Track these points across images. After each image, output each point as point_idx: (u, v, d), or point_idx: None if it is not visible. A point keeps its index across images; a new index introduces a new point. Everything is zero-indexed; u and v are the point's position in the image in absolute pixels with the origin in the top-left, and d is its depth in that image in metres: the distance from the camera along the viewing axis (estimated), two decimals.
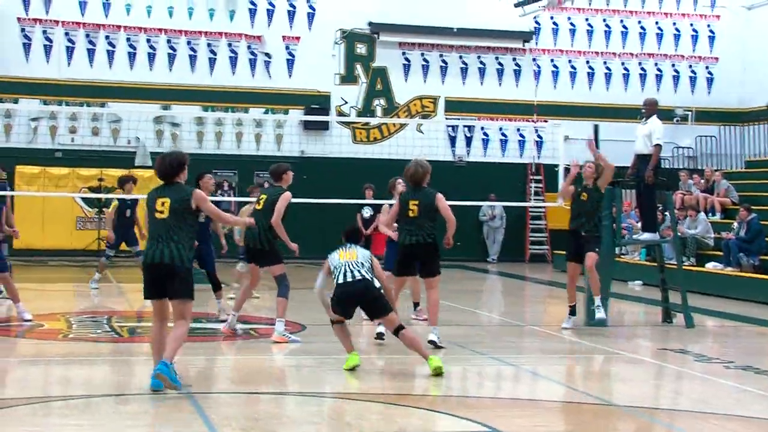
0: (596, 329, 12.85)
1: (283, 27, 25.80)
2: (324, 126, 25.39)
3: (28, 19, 24.36)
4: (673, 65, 28.05)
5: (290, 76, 25.73)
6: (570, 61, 27.46)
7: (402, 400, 8.50)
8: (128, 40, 24.87)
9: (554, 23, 27.42)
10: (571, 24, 27.54)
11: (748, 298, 17.23)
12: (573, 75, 27.46)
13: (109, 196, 17.33)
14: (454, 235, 11.23)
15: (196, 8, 25.33)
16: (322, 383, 9.29)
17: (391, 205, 12.85)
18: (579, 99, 27.13)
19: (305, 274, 17.35)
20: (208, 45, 25.33)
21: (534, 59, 27.24)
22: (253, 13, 25.71)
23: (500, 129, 26.66)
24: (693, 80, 28.11)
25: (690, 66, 28.11)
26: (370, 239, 17.69)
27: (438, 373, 9.31)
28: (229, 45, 25.46)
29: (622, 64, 27.73)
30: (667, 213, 17.20)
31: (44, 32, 24.44)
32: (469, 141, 26.76)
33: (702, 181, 23.06)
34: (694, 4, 28.17)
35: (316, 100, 25.58)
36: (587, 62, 27.56)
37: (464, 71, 26.83)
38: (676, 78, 28.03)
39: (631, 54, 27.78)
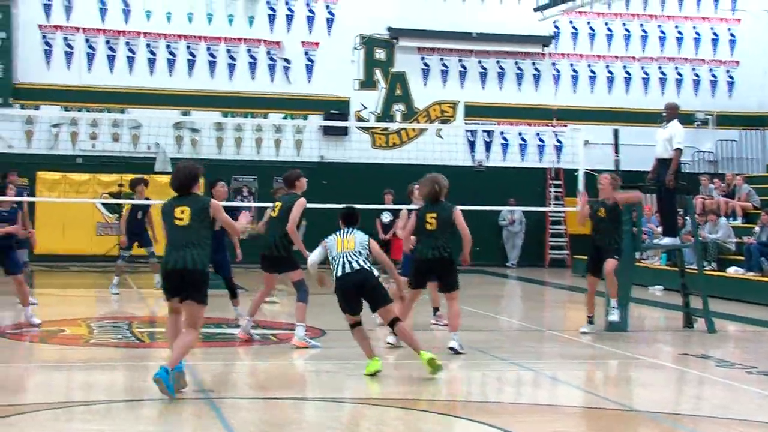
0: (616, 334, 12.81)
1: (302, 32, 25.85)
2: (343, 131, 25.44)
3: (49, 26, 24.50)
4: (694, 69, 27.92)
5: (309, 81, 25.77)
6: (589, 66, 27.40)
7: (422, 405, 8.51)
8: (148, 46, 24.99)
9: (573, 27, 27.36)
10: (591, 28, 27.48)
11: None
12: (593, 79, 27.39)
13: (130, 201, 17.40)
14: (471, 249, 11.25)
15: (215, 14, 25.43)
16: (342, 388, 9.28)
17: (410, 210, 12.83)
18: (599, 103, 27.04)
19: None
20: (228, 51, 25.41)
21: (553, 64, 27.19)
22: (272, 18, 25.77)
23: (520, 134, 26.56)
24: (714, 84, 27.98)
25: (711, 70, 27.98)
26: (390, 244, 17.69)
27: (432, 366, 9.31)
28: (249, 51, 25.53)
29: (642, 68, 27.64)
30: (687, 217, 17.12)
31: (65, 39, 24.58)
32: (488, 146, 26.71)
33: (723, 185, 22.96)
34: (715, 7, 28.04)
35: (335, 105, 25.62)
36: (607, 66, 27.49)
37: (483, 76, 26.80)
38: (697, 82, 27.91)
39: (651, 58, 27.68)
